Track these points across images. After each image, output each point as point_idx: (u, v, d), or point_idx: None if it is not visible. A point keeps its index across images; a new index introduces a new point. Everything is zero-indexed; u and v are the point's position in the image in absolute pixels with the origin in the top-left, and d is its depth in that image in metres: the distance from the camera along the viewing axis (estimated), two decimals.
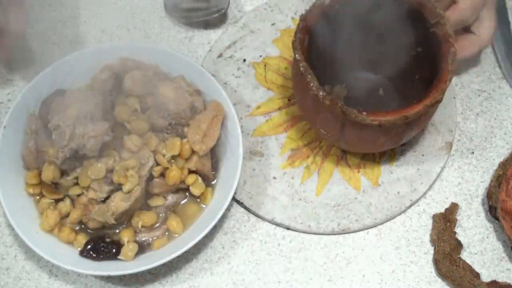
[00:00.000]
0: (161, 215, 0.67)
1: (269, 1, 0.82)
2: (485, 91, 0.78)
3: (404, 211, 0.71)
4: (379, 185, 0.71)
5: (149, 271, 0.67)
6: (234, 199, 0.71)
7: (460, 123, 0.76)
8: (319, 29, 0.66)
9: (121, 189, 0.65)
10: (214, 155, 0.70)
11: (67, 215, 0.66)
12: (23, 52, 0.76)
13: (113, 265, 0.64)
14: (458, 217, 0.70)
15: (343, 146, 0.70)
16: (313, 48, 0.66)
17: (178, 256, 0.64)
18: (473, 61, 0.79)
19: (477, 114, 0.76)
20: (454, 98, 0.76)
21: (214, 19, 0.80)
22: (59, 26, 0.80)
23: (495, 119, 0.76)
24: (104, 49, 0.72)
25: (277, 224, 0.70)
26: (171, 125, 0.69)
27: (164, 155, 0.67)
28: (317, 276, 0.68)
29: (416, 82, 0.70)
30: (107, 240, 0.65)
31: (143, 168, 0.66)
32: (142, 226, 0.66)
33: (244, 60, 0.78)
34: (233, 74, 0.77)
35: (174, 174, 0.67)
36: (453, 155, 0.74)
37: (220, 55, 0.78)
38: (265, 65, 0.78)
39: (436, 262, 0.68)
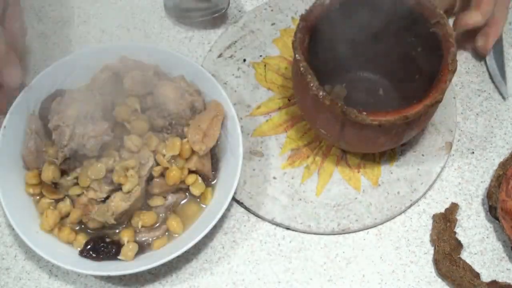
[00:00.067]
0: (161, 215, 0.67)
1: (269, 1, 0.82)
2: (485, 91, 0.78)
3: (404, 211, 0.71)
4: (379, 185, 0.71)
5: (149, 271, 0.67)
6: (234, 199, 0.71)
7: (460, 123, 0.76)
8: (319, 29, 0.66)
9: (121, 189, 0.65)
10: (214, 155, 0.70)
11: (67, 215, 0.66)
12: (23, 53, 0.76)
13: (113, 265, 0.64)
14: (458, 217, 0.70)
15: (343, 146, 0.70)
16: (313, 48, 0.66)
17: (178, 256, 0.64)
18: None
19: (477, 114, 0.76)
20: (454, 98, 0.76)
21: (214, 19, 0.80)
22: (59, 26, 0.80)
23: (495, 119, 0.76)
24: (104, 49, 0.72)
25: (277, 224, 0.70)
26: (171, 125, 0.69)
27: (164, 155, 0.67)
28: (317, 276, 0.68)
29: (416, 82, 0.70)
30: (107, 240, 0.65)
31: (143, 168, 0.66)
32: (142, 226, 0.66)
33: (244, 60, 0.78)
34: (233, 74, 0.77)
35: (174, 174, 0.67)
36: (453, 155, 0.74)
37: (220, 55, 0.78)
38: (265, 65, 0.78)
39: (436, 262, 0.68)
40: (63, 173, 0.67)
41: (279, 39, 0.79)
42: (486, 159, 0.74)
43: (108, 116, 0.66)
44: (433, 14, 0.66)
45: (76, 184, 0.66)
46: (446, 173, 0.73)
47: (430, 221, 0.71)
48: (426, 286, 0.68)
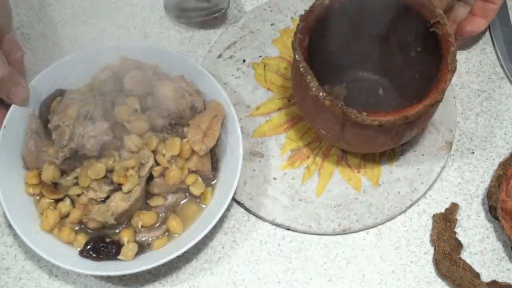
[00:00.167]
0: (161, 215, 0.67)
1: (268, 1, 0.82)
2: (485, 91, 0.78)
3: (404, 211, 0.71)
4: (380, 185, 0.71)
5: (149, 271, 0.67)
6: (234, 200, 0.71)
7: (460, 123, 0.76)
8: (318, 29, 0.66)
9: (121, 189, 0.65)
10: (214, 155, 0.70)
11: (67, 215, 0.66)
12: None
13: (113, 265, 0.64)
14: (458, 217, 0.70)
15: (343, 146, 0.70)
16: (312, 48, 0.66)
17: (178, 256, 0.64)
18: (477, 56, 0.79)
19: (477, 114, 0.76)
20: (454, 97, 0.76)
21: (214, 19, 0.80)
22: (59, 26, 0.80)
23: (495, 119, 0.76)
24: (104, 49, 0.72)
25: (278, 225, 0.70)
26: (171, 125, 0.69)
27: (164, 155, 0.67)
28: (317, 276, 0.68)
29: (416, 82, 0.70)
30: (107, 240, 0.65)
31: (143, 168, 0.66)
32: (142, 226, 0.66)
33: (244, 61, 0.78)
34: (232, 75, 0.77)
35: (174, 174, 0.67)
36: (453, 155, 0.74)
37: (219, 56, 0.78)
38: (264, 66, 0.78)
39: (436, 262, 0.68)
40: (63, 173, 0.67)
41: (278, 39, 0.79)
42: (486, 159, 0.74)
43: (108, 116, 0.66)
44: (432, 14, 0.66)
45: (76, 184, 0.66)
46: (446, 173, 0.73)
47: (430, 221, 0.71)
48: (426, 286, 0.68)
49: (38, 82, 0.69)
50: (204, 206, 0.68)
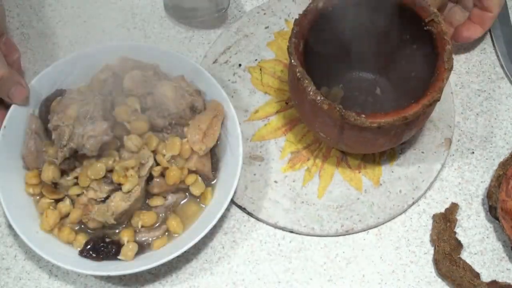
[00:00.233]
0: (161, 215, 0.67)
1: (261, 4, 0.81)
2: (485, 91, 0.78)
3: (406, 210, 0.71)
4: (381, 184, 0.71)
5: (149, 271, 0.67)
6: (236, 204, 0.70)
7: (460, 123, 0.76)
8: (314, 32, 0.66)
9: (121, 189, 0.65)
10: (214, 155, 0.70)
11: (67, 215, 0.66)
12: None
13: (113, 265, 0.64)
14: (458, 217, 0.70)
15: (342, 148, 0.70)
16: (308, 51, 0.65)
17: (178, 256, 0.64)
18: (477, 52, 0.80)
19: (477, 114, 0.76)
20: (452, 93, 0.76)
21: (214, 19, 0.80)
22: (59, 26, 0.80)
23: (495, 119, 0.76)
24: (104, 49, 0.72)
25: (281, 228, 0.70)
26: (171, 125, 0.69)
27: (164, 155, 0.67)
28: (317, 276, 0.68)
29: (414, 80, 0.70)
30: (107, 240, 0.65)
31: (143, 168, 0.66)
32: (142, 226, 0.66)
33: (240, 65, 0.78)
34: (229, 80, 0.77)
35: (174, 174, 0.67)
36: (453, 155, 0.74)
37: (215, 61, 0.78)
38: (260, 69, 0.78)
39: (436, 262, 0.68)
40: (63, 173, 0.67)
41: (273, 42, 0.79)
42: (486, 159, 0.74)
43: (108, 116, 0.66)
44: (426, 13, 0.66)
45: (76, 184, 0.66)
46: (446, 173, 0.73)
47: (430, 221, 0.71)
48: (426, 286, 0.68)
49: (38, 82, 0.69)
50: (204, 206, 0.68)
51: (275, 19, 0.81)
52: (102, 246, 0.65)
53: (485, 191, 0.72)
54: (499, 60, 0.79)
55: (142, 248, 0.66)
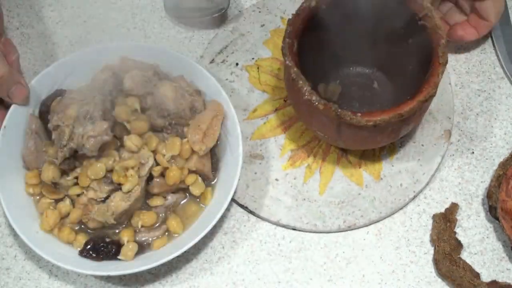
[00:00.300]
0: (161, 215, 0.67)
1: (257, 2, 0.81)
2: (485, 91, 0.78)
3: (408, 203, 0.71)
4: (381, 179, 0.71)
5: (149, 271, 0.67)
6: (237, 203, 0.70)
7: (460, 123, 0.76)
8: (308, 30, 0.66)
9: (121, 189, 0.65)
10: (214, 155, 0.70)
11: (67, 215, 0.66)
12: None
13: (113, 265, 0.64)
14: (458, 217, 0.70)
15: (341, 145, 0.70)
16: (304, 49, 0.65)
17: (178, 256, 0.64)
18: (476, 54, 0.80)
19: (477, 114, 0.76)
20: (450, 84, 0.76)
21: (214, 19, 0.80)
22: (59, 26, 0.80)
23: (495, 119, 0.76)
24: (104, 49, 0.72)
25: (283, 226, 0.70)
26: (171, 125, 0.69)
27: (164, 155, 0.67)
28: (317, 276, 0.68)
29: (411, 73, 0.70)
30: (107, 240, 0.65)
31: (143, 168, 0.66)
32: (142, 226, 0.66)
33: (237, 64, 0.78)
34: (227, 79, 0.77)
35: (174, 174, 0.67)
36: (453, 155, 0.74)
37: (212, 61, 0.78)
38: (258, 68, 0.78)
39: (436, 262, 0.68)
40: (63, 173, 0.67)
41: (269, 40, 0.79)
42: (486, 159, 0.74)
43: (108, 116, 0.66)
44: (420, 7, 0.65)
45: (76, 184, 0.66)
46: (446, 173, 0.73)
47: (430, 221, 0.71)
48: (426, 286, 0.68)
49: (38, 82, 0.69)
50: (204, 206, 0.68)
51: (270, 17, 0.81)
52: (102, 246, 0.65)
53: (485, 191, 0.72)
54: (499, 60, 0.79)
55: (142, 248, 0.66)
